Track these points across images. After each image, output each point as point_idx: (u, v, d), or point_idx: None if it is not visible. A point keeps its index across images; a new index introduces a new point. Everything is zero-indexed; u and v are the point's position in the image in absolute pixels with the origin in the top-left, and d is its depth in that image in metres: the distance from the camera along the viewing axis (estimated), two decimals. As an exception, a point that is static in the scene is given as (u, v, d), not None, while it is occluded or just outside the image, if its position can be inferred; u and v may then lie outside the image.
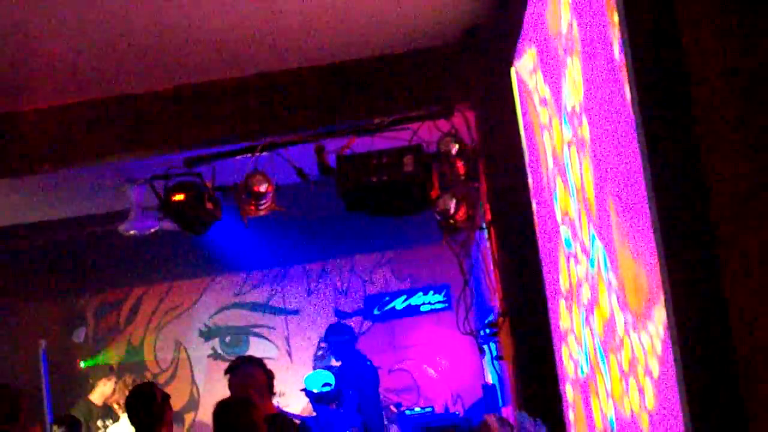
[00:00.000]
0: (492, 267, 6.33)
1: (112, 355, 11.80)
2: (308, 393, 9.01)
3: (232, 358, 10.71)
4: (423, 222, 6.29)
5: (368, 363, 8.73)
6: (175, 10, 5.04)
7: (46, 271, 10.37)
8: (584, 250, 3.63)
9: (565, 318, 4.31)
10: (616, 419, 3.36)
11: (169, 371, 11.91)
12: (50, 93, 6.00)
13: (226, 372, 6.29)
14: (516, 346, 5.64)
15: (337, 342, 9.55)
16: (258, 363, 6.41)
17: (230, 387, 6.14)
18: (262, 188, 5.63)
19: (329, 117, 6.08)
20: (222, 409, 5.28)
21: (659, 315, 2.56)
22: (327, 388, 9.15)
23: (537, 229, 5.06)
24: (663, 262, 2.43)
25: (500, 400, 8.21)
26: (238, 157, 5.84)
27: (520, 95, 5.08)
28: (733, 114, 2.36)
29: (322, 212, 7.91)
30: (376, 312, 11.47)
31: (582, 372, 4.00)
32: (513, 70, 5.16)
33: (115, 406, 10.36)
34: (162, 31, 5.26)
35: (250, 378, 6.20)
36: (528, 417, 5.03)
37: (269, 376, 6.25)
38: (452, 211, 5.54)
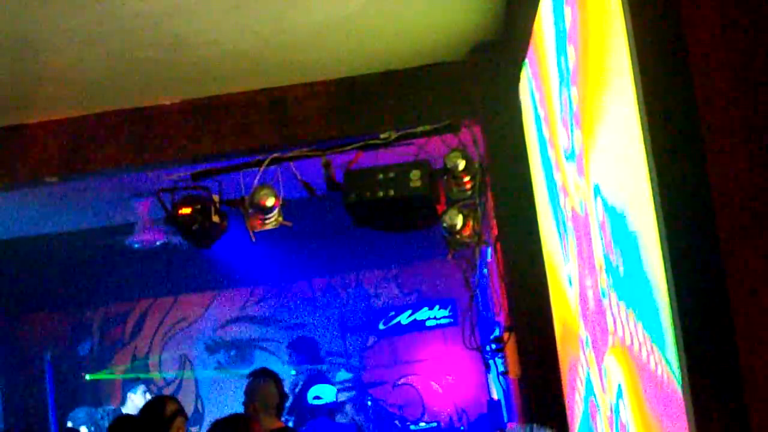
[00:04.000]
0: (498, 282, 6.33)
1: (117, 368, 11.80)
2: (312, 406, 9.02)
3: (238, 371, 10.74)
4: (429, 237, 6.29)
5: None
6: (184, 24, 5.05)
7: (52, 283, 10.39)
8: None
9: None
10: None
11: (173, 384, 11.91)
12: (57, 105, 6.02)
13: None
14: (521, 362, 5.64)
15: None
16: (271, 377, 6.41)
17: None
18: (269, 202, 5.62)
19: (336, 131, 6.09)
20: (214, 429, 5.30)
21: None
22: (318, 401, 9.14)
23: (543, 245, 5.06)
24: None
25: (505, 416, 8.20)
26: (245, 171, 5.83)
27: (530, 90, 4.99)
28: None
29: (329, 227, 7.92)
30: (381, 327, 11.46)
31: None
32: (522, 72, 5.09)
33: None
34: (170, 44, 5.28)
35: (256, 392, 6.23)
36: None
37: (281, 391, 6.27)
38: (459, 226, 5.53)
